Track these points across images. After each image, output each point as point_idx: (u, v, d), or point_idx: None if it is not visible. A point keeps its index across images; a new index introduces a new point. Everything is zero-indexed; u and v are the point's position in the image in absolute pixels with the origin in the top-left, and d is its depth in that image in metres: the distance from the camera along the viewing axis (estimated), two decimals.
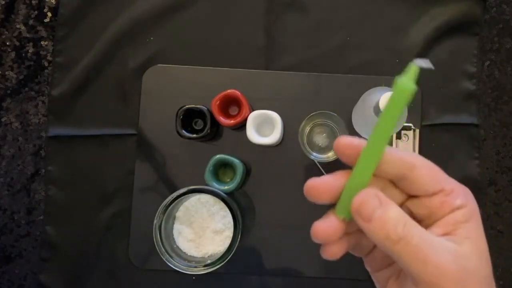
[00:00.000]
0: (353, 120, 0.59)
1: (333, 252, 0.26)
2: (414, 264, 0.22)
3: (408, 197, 0.25)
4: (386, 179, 0.25)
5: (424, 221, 0.24)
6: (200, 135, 0.57)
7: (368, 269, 0.28)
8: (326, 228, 0.25)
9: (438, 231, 0.23)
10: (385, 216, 0.22)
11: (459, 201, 0.24)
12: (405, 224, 0.22)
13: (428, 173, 0.24)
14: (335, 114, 0.54)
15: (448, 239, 0.23)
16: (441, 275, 0.21)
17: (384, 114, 0.23)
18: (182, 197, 0.52)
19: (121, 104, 0.63)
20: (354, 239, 0.27)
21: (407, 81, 0.22)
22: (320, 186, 0.25)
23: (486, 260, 0.23)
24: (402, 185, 0.25)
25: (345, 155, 0.25)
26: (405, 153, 0.25)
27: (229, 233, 0.55)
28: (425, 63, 0.22)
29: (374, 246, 0.27)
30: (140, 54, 0.64)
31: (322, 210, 0.63)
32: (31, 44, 0.65)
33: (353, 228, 0.26)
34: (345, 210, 0.24)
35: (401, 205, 0.25)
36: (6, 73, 0.65)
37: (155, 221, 0.52)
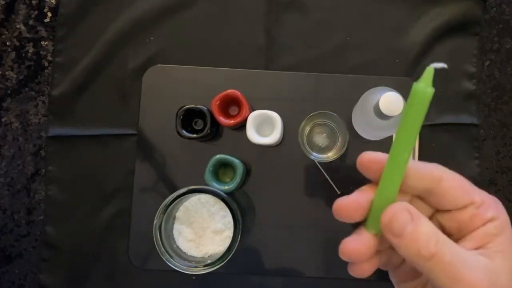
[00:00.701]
0: (353, 120, 0.59)
1: (363, 270, 0.25)
2: (446, 281, 0.21)
3: (436, 210, 0.25)
4: (417, 198, 0.24)
5: (454, 235, 0.24)
6: (200, 135, 0.57)
7: (393, 280, 0.27)
8: (357, 246, 0.24)
9: (470, 245, 0.23)
10: (416, 231, 0.21)
11: (490, 213, 0.23)
12: (437, 241, 0.21)
13: (457, 186, 0.23)
14: (335, 114, 0.54)
15: (480, 253, 0.22)
16: None
17: (404, 123, 0.22)
18: (182, 197, 0.52)
19: (121, 104, 0.63)
20: (386, 256, 0.26)
21: (424, 85, 0.21)
22: (349, 206, 0.24)
23: None
24: (430, 200, 0.24)
25: (371, 171, 0.24)
26: (431, 166, 0.24)
27: (229, 233, 0.55)
28: (439, 64, 0.22)
29: (404, 260, 0.26)
30: (140, 54, 0.64)
31: (322, 210, 0.62)
32: (31, 44, 0.65)
33: (385, 245, 0.25)
34: (376, 225, 0.23)
35: (430, 218, 0.25)
36: (6, 73, 0.65)
37: (155, 221, 0.52)
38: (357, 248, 0.24)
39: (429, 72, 0.21)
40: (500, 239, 0.22)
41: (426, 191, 0.24)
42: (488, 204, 0.23)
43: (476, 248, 0.23)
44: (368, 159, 0.24)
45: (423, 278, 0.26)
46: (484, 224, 0.23)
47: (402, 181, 0.23)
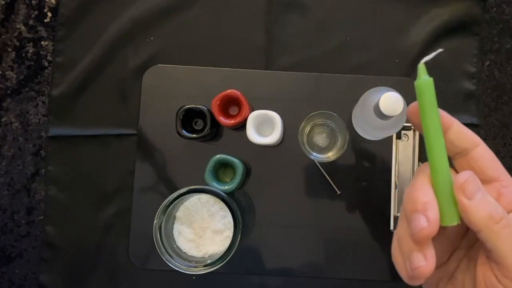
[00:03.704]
0: (353, 120, 0.59)
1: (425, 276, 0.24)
2: (510, 248, 0.22)
3: None
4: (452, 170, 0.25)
5: None
6: (200, 135, 0.57)
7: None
8: (429, 268, 0.23)
9: None
10: (487, 197, 0.23)
11: None
12: (503, 209, 0.22)
13: (489, 157, 0.25)
14: (335, 114, 0.54)
15: None
16: None
17: (424, 116, 0.24)
18: (182, 197, 0.52)
19: (121, 104, 0.63)
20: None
21: (423, 78, 0.24)
22: (432, 230, 0.23)
23: None
24: (461, 165, 0.25)
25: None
26: (472, 133, 0.25)
27: (229, 233, 0.55)
28: (428, 57, 0.24)
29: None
30: (140, 54, 0.64)
31: (322, 210, 0.63)
32: (31, 44, 0.65)
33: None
34: (450, 216, 0.23)
35: None
36: (6, 73, 0.65)
37: (155, 221, 0.52)
38: (430, 270, 0.23)
39: (421, 68, 0.24)
40: None
41: (463, 152, 0.25)
42: None
43: None
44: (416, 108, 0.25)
45: (449, 267, 0.26)
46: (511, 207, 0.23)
47: (448, 162, 0.24)
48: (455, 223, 0.23)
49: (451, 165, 0.25)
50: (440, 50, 0.25)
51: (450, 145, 0.25)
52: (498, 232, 0.22)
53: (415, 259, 0.23)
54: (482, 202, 0.22)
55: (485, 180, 0.24)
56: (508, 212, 0.23)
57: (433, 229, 0.22)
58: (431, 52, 0.63)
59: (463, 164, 0.25)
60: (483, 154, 0.25)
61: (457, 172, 0.26)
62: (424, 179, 0.24)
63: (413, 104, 0.25)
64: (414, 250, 0.23)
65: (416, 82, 0.24)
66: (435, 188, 0.24)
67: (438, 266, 0.26)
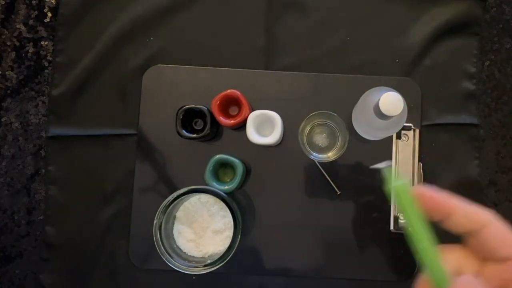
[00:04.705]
0: (353, 120, 0.59)
1: None
2: None
3: (483, 265, 0.24)
4: (465, 249, 0.25)
5: None
6: (200, 135, 0.57)
7: None
8: None
9: None
10: None
11: None
12: None
13: (499, 235, 0.24)
14: (335, 114, 0.54)
15: None
16: None
17: (408, 217, 0.24)
18: (182, 197, 0.52)
19: (121, 104, 0.63)
20: None
21: (396, 183, 0.25)
22: None
23: None
24: (473, 244, 0.24)
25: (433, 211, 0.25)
26: (480, 210, 0.24)
27: (229, 233, 0.55)
28: (383, 164, 0.26)
29: None
30: (140, 54, 0.64)
31: (322, 210, 0.63)
32: (31, 44, 0.65)
33: None
34: None
35: (478, 273, 0.25)
36: (6, 73, 0.65)
37: (155, 221, 0.52)
38: None
39: (388, 172, 0.26)
40: None
41: (470, 233, 0.24)
42: None
43: None
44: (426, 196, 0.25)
45: None
46: None
47: (441, 263, 0.23)
48: None
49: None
50: (389, 164, 0.26)
51: (455, 229, 0.24)
52: None
53: None
54: None
55: (499, 260, 0.23)
56: None
57: None
58: (431, 52, 0.64)
59: (474, 244, 0.24)
60: (494, 234, 0.23)
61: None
62: (424, 283, 0.24)
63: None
64: None
65: (393, 187, 0.25)
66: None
67: None
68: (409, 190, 0.24)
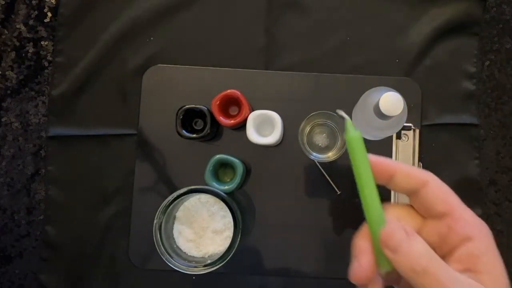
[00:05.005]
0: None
1: None
2: None
3: (423, 223, 0.26)
4: (407, 207, 0.26)
5: (437, 252, 0.24)
6: (200, 135, 0.57)
7: None
8: (359, 274, 0.25)
9: (457, 267, 0.23)
10: (411, 248, 0.23)
11: (467, 230, 0.24)
12: (430, 258, 0.22)
13: (439, 193, 0.25)
14: (335, 114, 0.54)
15: (469, 276, 0.23)
16: None
17: (355, 164, 0.26)
18: (182, 197, 0.52)
19: (121, 104, 0.63)
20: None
21: (352, 132, 0.26)
22: (365, 274, 0.25)
23: None
24: (415, 203, 0.26)
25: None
26: (421, 170, 0.26)
27: (229, 233, 0.55)
28: (342, 113, 0.28)
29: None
30: (140, 54, 0.64)
31: (322, 210, 0.62)
32: (31, 44, 0.65)
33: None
34: (385, 263, 0.24)
35: (419, 230, 0.26)
36: (6, 73, 0.65)
37: (155, 221, 0.52)
38: (360, 276, 0.25)
39: (348, 123, 0.26)
40: (486, 260, 0.23)
41: (411, 192, 0.26)
42: (465, 221, 0.24)
43: (464, 271, 0.23)
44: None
45: None
46: (462, 242, 0.24)
47: (381, 208, 0.25)
48: (389, 270, 0.24)
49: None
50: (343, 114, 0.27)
51: (398, 188, 0.26)
52: (422, 283, 0.22)
53: None
54: (406, 255, 0.23)
55: (437, 216, 0.25)
56: (458, 245, 0.24)
57: (365, 273, 0.24)
58: (431, 52, 0.64)
59: (415, 203, 0.26)
60: (432, 192, 0.25)
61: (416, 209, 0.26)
62: (366, 226, 0.26)
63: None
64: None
65: (346, 137, 0.26)
66: (371, 237, 0.25)
67: None
68: (362, 141, 0.26)
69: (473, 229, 0.24)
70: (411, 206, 0.27)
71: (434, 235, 0.25)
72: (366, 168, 0.25)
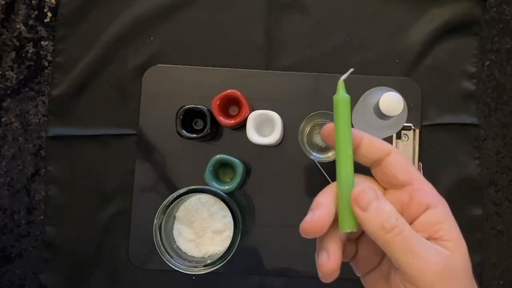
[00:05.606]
0: (353, 120, 0.59)
1: (329, 266, 0.26)
2: (403, 255, 0.23)
3: (387, 191, 0.27)
4: (371, 178, 0.27)
5: None
6: (200, 135, 0.57)
7: (358, 274, 0.29)
8: (331, 267, 0.26)
9: (420, 235, 0.24)
10: (381, 207, 0.24)
11: (427, 199, 0.25)
12: (398, 217, 0.24)
13: (400, 163, 0.26)
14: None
15: (432, 242, 0.24)
16: (428, 270, 0.22)
17: (337, 126, 0.26)
18: (182, 197, 0.52)
19: (121, 104, 0.63)
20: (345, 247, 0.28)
21: (341, 94, 0.26)
22: (316, 225, 0.25)
23: (468, 260, 0.24)
24: (378, 174, 0.27)
25: (332, 140, 0.27)
26: (383, 142, 0.27)
27: (229, 233, 0.55)
28: (346, 75, 0.27)
29: (356, 251, 0.29)
30: (140, 54, 0.64)
31: None
32: (31, 44, 0.65)
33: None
34: (347, 222, 0.25)
35: None
36: (6, 73, 0.65)
37: (155, 221, 0.52)
38: (332, 268, 0.26)
39: (340, 84, 0.26)
40: (445, 227, 0.24)
41: (375, 162, 0.26)
42: (425, 191, 0.25)
43: (427, 239, 0.24)
44: (330, 129, 0.27)
45: (383, 268, 0.27)
46: (423, 210, 0.25)
47: (353, 172, 0.26)
48: (350, 230, 0.25)
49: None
50: (352, 69, 0.27)
51: (363, 158, 0.27)
52: (390, 241, 0.23)
53: (319, 257, 0.26)
54: (375, 213, 0.24)
55: (398, 185, 0.26)
56: (420, 214, 0.25)
57: (315, 223, 0.25)
58: (431, 52, 0.64)
59: (378, 173, 0.27)
60: (394, 161, 0.26)
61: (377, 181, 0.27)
62: (331, 187, 0.26)
63: (328, 125, 0.27)
64: (320, 249, 0.26)
65: (334, 97, 0.26)
66: (338, 197, 0.26)
67: (373, 269, 0.28)
68: (349, 105, 0.26)
69: (433, 197, 0.25)
70: (373, 178, 0.27)
71: (396, 204, 0.25)
72: (347, 131, 0.26)
